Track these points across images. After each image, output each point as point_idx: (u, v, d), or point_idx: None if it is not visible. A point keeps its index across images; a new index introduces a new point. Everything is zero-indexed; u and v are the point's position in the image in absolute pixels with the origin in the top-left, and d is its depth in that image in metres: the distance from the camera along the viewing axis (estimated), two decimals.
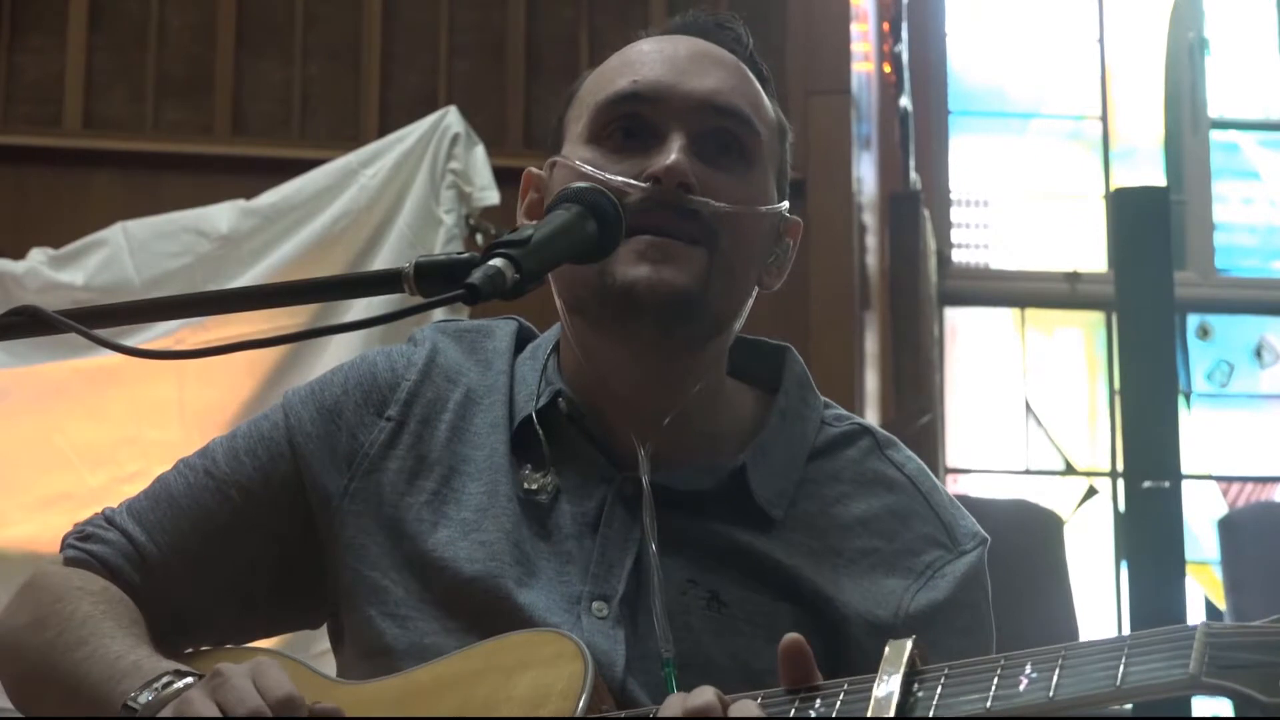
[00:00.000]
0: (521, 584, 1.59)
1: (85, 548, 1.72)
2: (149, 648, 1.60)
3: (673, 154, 1.61)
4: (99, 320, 1.54)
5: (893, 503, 1.67)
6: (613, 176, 1.61)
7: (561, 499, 1.64)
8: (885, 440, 1.72)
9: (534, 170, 1.74)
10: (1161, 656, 1.26)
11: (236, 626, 1.73)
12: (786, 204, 1.72)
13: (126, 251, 4.38)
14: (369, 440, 1.69)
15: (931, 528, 1.67)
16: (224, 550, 1.70)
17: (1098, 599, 6.52)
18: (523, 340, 1.77)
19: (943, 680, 1.34)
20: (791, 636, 1.40)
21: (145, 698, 1.50)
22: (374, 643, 1.62)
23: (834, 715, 1.36)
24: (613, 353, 1.65)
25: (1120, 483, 5.95)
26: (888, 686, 1.34)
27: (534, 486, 1.64)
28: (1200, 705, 5.87)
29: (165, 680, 1.51)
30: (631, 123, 1.65)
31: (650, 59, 1.68)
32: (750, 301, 1.70)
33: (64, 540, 1.74)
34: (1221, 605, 6.19)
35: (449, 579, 1.60)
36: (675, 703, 1.39)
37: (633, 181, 1.61)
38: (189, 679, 1.51)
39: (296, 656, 1.64)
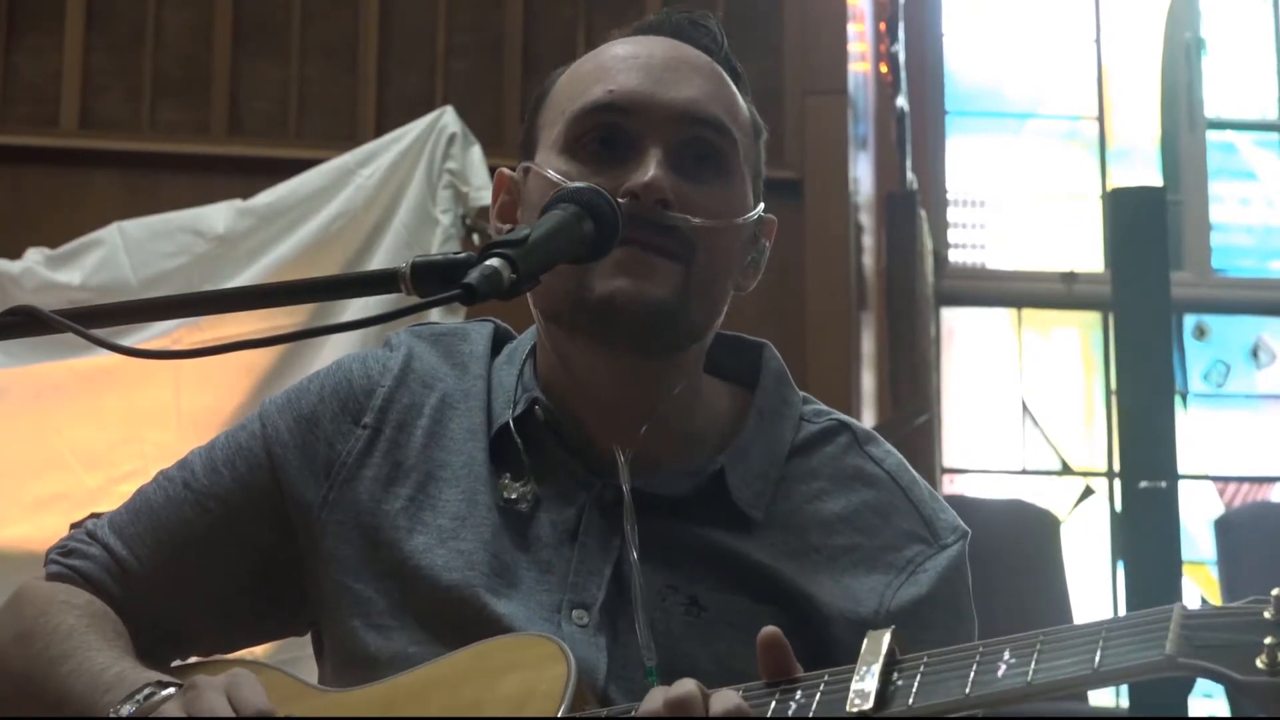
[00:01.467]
0: (500, 594, 1.58)
1: (67, 563, 1.71)
2: (133, 660, 1.60)
3: (651, 170, 1.60)
4: (96, 320, 1.54)
5: (872, 498, 1.67)
6: None
7: (541, 507, 1.63)
8: (864, 435, 1.72)
9: (506, 171, 1.72)
10: (1138, 639, 1.27)
11: (221, 637, 1.73)
12: (762, 206, 1.70)
13: (123, 251, 4.38)
14: (346, 449, 1.68)
15: (912, 523, 1.66)
16: (204, 562, 1.70)
17: (1094, 599, 6.52)
18: (499, 342, 1.76)
19: (921, 669, 1.34)
20: (769, 629, 1.40)
21: (127, 709, 1.51)
22: (357, 653, 1.61)
23: (814, 706, 1.37)
24: (589, 361, 1.64)
25: (1117, 483, 5.95)
26: (867, 677, 1.35)
27: (514, 495, 1.64)
28: (1196, 704, 5.87)
29: (147, 691, 1.51)
30: (608, 133, 1.64)
31: (626, 65, 1.66)
32: (727, 305, 1.69)
33: (47, 556, 1.74)
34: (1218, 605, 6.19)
35: (426, 588, 1.60)
36: (657, 696, 1.39)
37: (610, 195, 1.59)
38: (170, 689, 1.51)
39: (279, 666, 1.64)
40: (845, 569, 1.62)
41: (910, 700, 1.33)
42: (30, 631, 1.65)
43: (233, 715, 1.43)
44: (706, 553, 1.62)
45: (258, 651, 1.75)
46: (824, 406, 1.75)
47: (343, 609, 1.64)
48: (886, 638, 1.37)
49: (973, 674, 1.32)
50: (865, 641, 1.38)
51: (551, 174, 1.63)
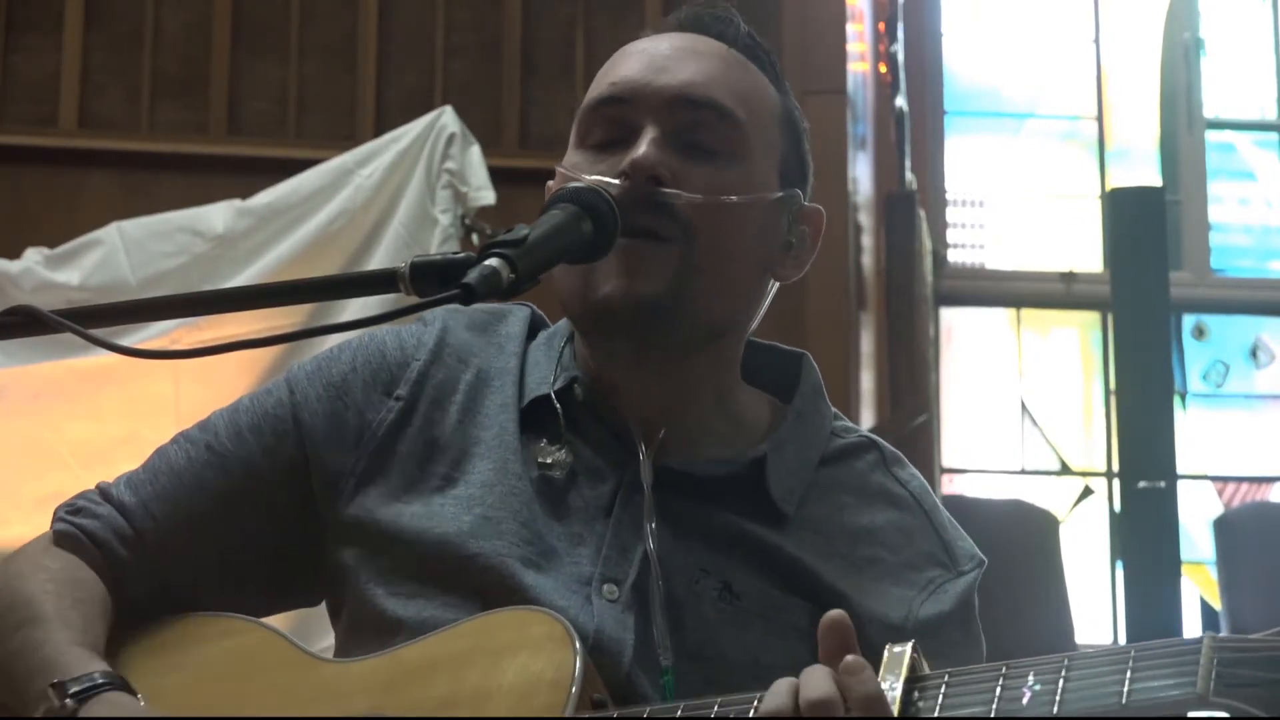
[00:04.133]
0: (529, 563, 1.58)
1: (74, 520, 1.70)
2: (64, 636, 1.58)
3: (642, 148, 1.60)
4: (94, 320, 1.53)
5: (896, 518, 1.67)
6: (589, 176, 1.61)
7: (575, 480, 1.63)
8: (891, 456, 1.72)
9: (551, 184, 1.74)
10: (1168, 672, 1.25)
11: (232, 604, 1.70)
12: (796, 192, 1.69)
13: (122, 251, 4.38)
14: (377, 420, 1.68)
15: (933, 546, 1.67)
16: (223, 526, 1.69)
17: (1093, 599, 6.52)
18: (535, 327, 1.76)
19: (943, 688, 1.33)
20: (835, 613, 1.38)
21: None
22: (375, 620, 1.61)
23: None
24: (611, 361, 1.66)
25: (1116, 483, 5.95)
26: (889, 693, 1.33)
27: (549, 460, 1.63)
28: None
29: (47, 704, 1.51)
30: (610, 124, 1.65)
31: (631, 60, 1.68)
32: (762, 297, 1.69)
33: (56, 513, 1.73)
34: (1217, 605, 6.19)
35: (449, 556, 1.59)
36: (783, 690, 1.35)
37: (607, 179, 1.60)
38: (68, 700, 1.50)
39: (284, 633, 1.64)
40: (871, 578, 1.63)
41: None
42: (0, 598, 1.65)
43: None
44: (741, 540, 1.62)
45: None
46: (850, 423, 1.76)
47: (362, 575, 1.63)
48: (908, 652, 1.35)
49: (997, 698, 1.30)
50: (885, 655, 1.36)
51: (564, 168, 1.66)
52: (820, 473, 1.68)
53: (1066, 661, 1.30)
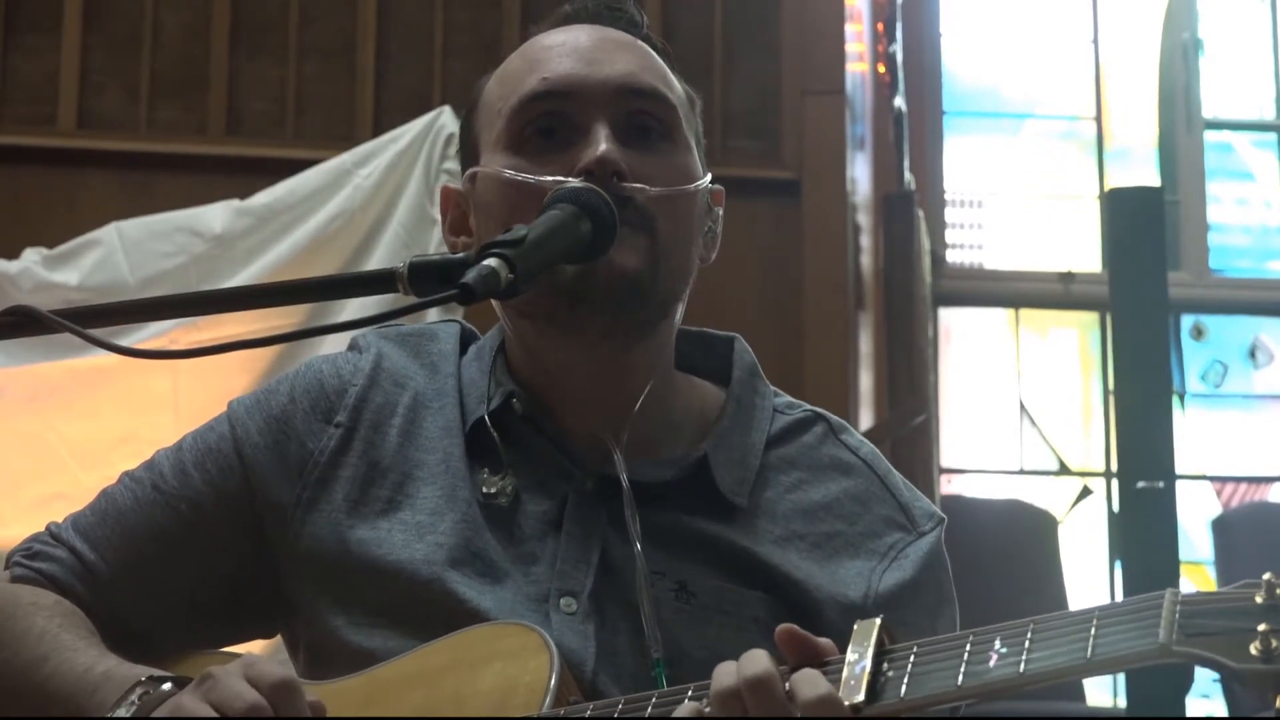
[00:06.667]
0: (483, 589, 1.58)
1: (33, 565, 1.69)
2: (115, 657, 1.58)
3: (601, 144, 1.60)
4: (93, 320, 1.54)
5: (850, 487, 1.68)
6: (543, 178, 1.60)
7: (522, 500, 1.63)
8: (838, 425, 1.73)
9: (451, 187, 1.73)
10: (1131, 626, 1.27)
11: (190, 639, 1.70)
12: (709, 175, 1.71)
13: (120, 251, 4.38)
14: (319, 448, 1.67)
15: (890, 510, 1.68)
16: (174, 565, 1.68)
17: (1092, 599, 6.52)
18: (466, 343, 1.75)
19: (912, 659, 1.34)
20: (782, 626, 1.40)
21: (124, 712, 1.48)
22: (341, 651, 1.60)
23: None
24: (565, 351, 1.64)
25: (1114, 483, 5.95)
26: (858, 667, 1.34)
27: (493, 490, 1.63)
28: (1194, 704, 5.87)
29: (140, 691, 1.50)
30: (550, 121, 1.64)
31: (555, 53, 1.67)
32: (691, 280, 1.70)
33: (9, 558, 1.72)
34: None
35: (404, 583, 1.59)
36: (728, 671, 1.37)
37: (565, 179, 1.59)
38: (167, 684, 1.50)
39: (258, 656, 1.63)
40: (829, 555, 1.63)
41: (902, 691, 1.33)
42: None
43: (257, 698, 1.41)
44: (693, 539, 1.62)
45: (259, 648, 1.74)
46: (792, 399, 1.76)
47: (321, 608, 1.63)
48: (876, 626, 1.37)
49: (964, 664, 1.31)
50: (854, 630, 1.37)
51: (505, 171, 1.63)
52: (770, 454, 1.68)
53: (1032, 625, 1.32)
